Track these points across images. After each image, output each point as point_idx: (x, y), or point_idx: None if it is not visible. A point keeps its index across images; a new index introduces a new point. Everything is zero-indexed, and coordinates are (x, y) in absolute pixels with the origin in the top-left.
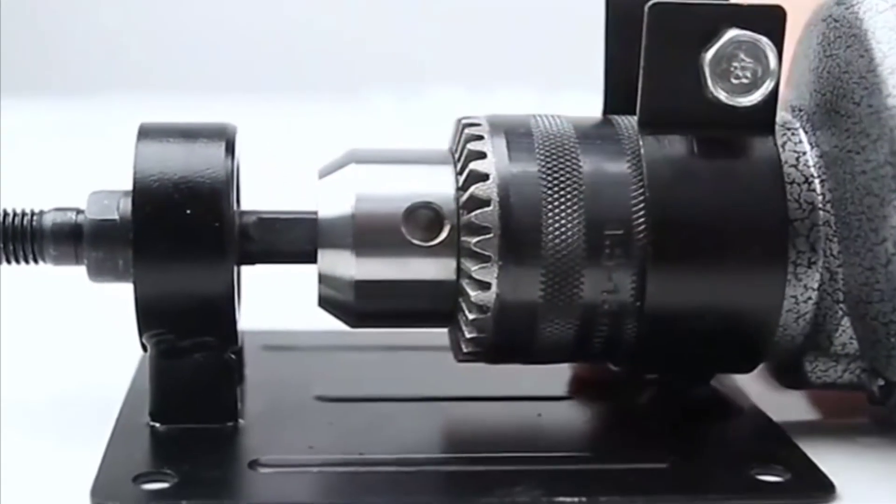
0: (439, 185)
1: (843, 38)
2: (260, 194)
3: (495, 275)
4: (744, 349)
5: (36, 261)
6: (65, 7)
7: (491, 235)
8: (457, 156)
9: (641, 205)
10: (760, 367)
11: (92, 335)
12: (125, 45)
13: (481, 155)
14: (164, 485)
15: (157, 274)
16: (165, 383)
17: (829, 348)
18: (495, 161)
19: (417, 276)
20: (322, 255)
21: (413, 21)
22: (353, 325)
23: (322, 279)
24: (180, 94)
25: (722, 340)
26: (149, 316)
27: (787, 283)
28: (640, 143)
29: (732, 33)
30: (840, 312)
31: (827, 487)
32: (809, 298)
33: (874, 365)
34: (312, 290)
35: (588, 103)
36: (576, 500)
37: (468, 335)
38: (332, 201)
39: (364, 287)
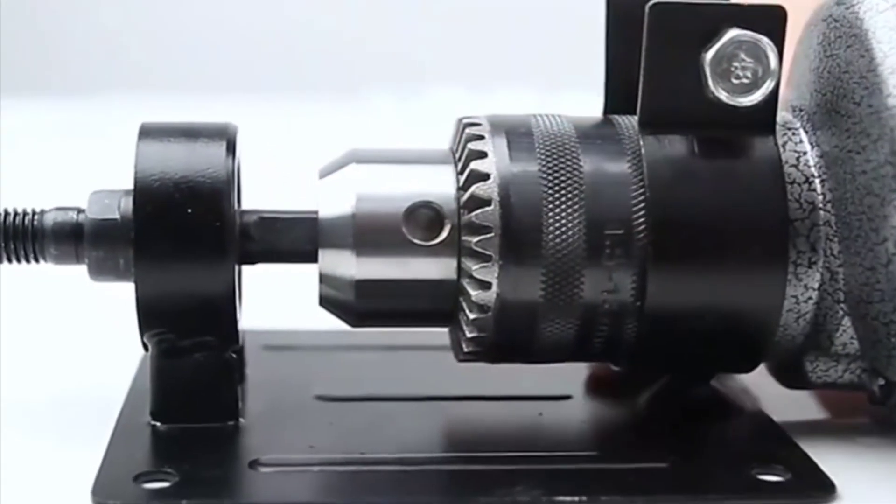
0: (440, 185)
1: (843, 38)
2: (260, 194)
3: (496, 274)
4: (744, 349)
5: (37, 260)
6: (65, 7)
7: (491, 235)
8: (457, 155)
9: (642, 205)
10: (761, 366)
11: (93, 335)
12: (125, 45)
13: (482, 154)
14: (165, 484)
15: (157, 273)
16: (166, 383)
17: (829, 348)
18: (496, 161)
19: (418, 276)
20: (323, 254)
21: (413, 21)
22: (353, 325)
23: (323, 279)
24: (180, 94)
25: (722, 340)
26: (150, 315)
27: (787, 282)
28: (641, 142)
29: (733, 33)
30: (840, 312)
31: (827, 487)
32: (810, 298)
33: (875, 365)
34: (313, 290)
35: (588, 103)
36: (576, 499)
37: (469, 335)
38: (332, 201)
39: (365, 286)
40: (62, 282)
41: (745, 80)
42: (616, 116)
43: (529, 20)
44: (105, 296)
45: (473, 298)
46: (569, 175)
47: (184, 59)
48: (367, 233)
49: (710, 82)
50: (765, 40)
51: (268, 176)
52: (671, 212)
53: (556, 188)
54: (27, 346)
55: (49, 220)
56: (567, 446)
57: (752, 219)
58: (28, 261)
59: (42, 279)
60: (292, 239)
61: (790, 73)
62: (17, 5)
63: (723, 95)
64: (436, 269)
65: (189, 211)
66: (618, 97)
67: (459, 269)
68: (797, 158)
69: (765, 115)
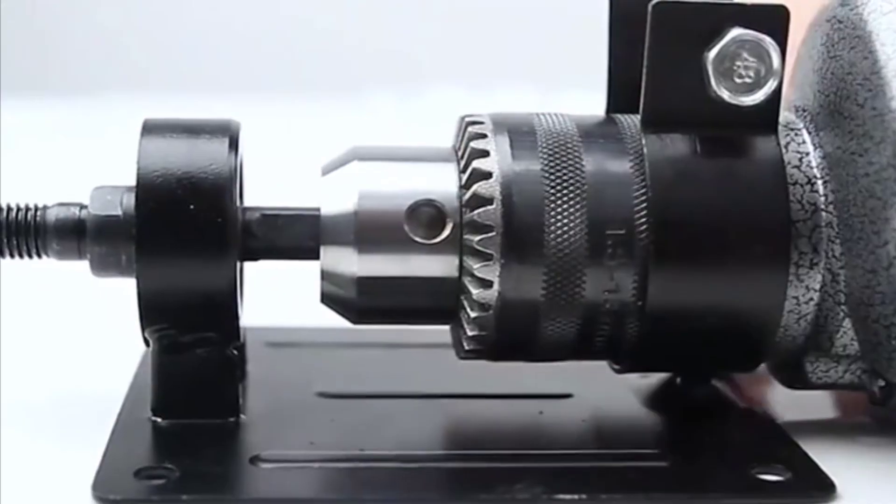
0: (442, 183)
1: (847, 40)
2: (262, 192)
3: (497, 273)
4: (745, 349)
5: (39, 255)
6: (65, 7)
7: (493, 234)
8: (460, 153)
9: (644, 204)
10: (762, 366)
11: (94, 330)
12: (125, 45)
13: (484, 153)
14: (166, 479)
15: (159, 269)
16: (167, 378)
17: (830, 349)
18: (498, 159)
19: (419, 274)
20: (324, 251)
21: (413, 21)
22: (355, 322)
23: (324, 276)
24: (181, 93)
25: (723, 340)
26: (151, 311)
27: (788, 283)
28: (643, 142)
29: (736, 32)
30: (841, 314)
31: (827, 487)
32: (811, 299)
33: (875, 366)
34: (315, 287)
35: (588, 103)
36: (576, 497)
37: (470, 333)
38: (334, 198)
39: (366, 284)
40: (63, 277)
41: (747, 80)
42: (619, 115)
43: (529, 20)
44: (106, 291)
45: (475, 297)
46: (571, 174)
47: (184, 59)
48: (368, 230)
49: (712, 81)
50: (767, 40)
51: (268, 174)
52: (673, 212)
53: (559, 187)
54: (28, 342)
55: (52, 215)
56: (567, 444)
57: (753, 219)
58: (30, 256)
59: (43, 275)
60: (294, 236)
61: (793, 73)
62: (17, 5)
63: (725, 95)
64: (437, 267)
65: (191, 207)
66: (620, 96)
67: (461, 267)
68: (800, 159)
69: (767, 114)
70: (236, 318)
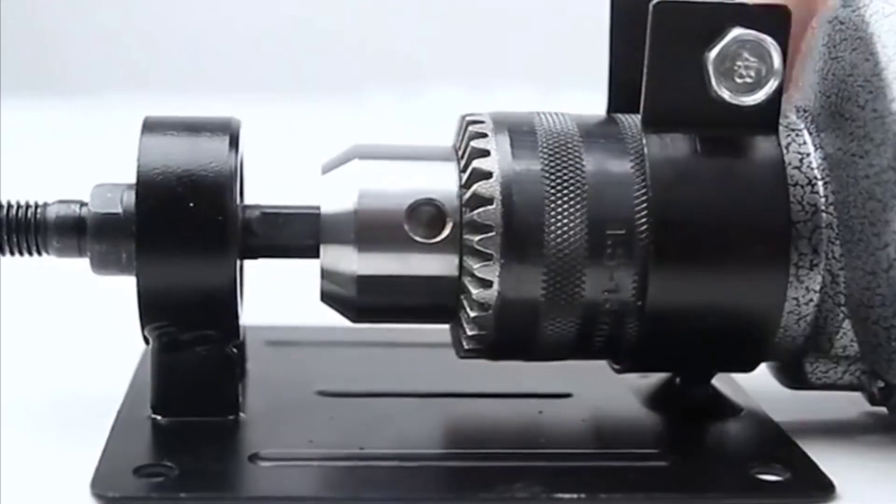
0: (442, 183)
1: (848, 41)
2: (262, 191)
3: (497, 273)
4: (744, 349)
5: (39, 253)
6: (65, 7)
7: (493, 234)
8: (460, 153)
9: (644, 204)
10: (761, 366)
11: (93, 328)
12: (125, 45)
13: (484, 153)
14: (165, 477)
15: (159, 267)
16: (167, 376)
17: (829, 350)
18: (498, 159)
19: (419, 273)
20: (324, 250)
21: (413, 21)
22: (354, 321)
23: (324, 274)
24: (180, 93)
25: (723, 340)
26: (151, 309)
27: (788, 284)
28: (644, 141)
29: (736, 32)
30: (841, 315)
31: (827, 487)
32: (811, 300)
33: (874, 368)
34: (315, 285)
35: (588, 103)
36: (575, 496)
37: (469, 332)
38: (335, 196)
39: (366, 282)
40: (63, 276)
41: (748, 80)
42: (619, 115)
43: (529, 20)
44: (106, 290)
45: (474, 296)
46: (571, 174)
47: (184, 58)
48: (368, 229)
49: (713, 81)
50: (768, 40)
51: (269, 173)
52: (673, 212)
53: (559, 187)
54: (27, 340)
55: (52, 213)
56: (567, 444)
57: (754, 220)
58: (30, 253)
59: (42, 273)
60: (294, 234)
61: (795, 73)
62: (17, 5)
63: (726, 95)
64: (437, 266)
65: (191, 205)
66: (621, 96)
67: (461, 266)
68: (800, 160)
69: (768, 115)
70: (236, 316)
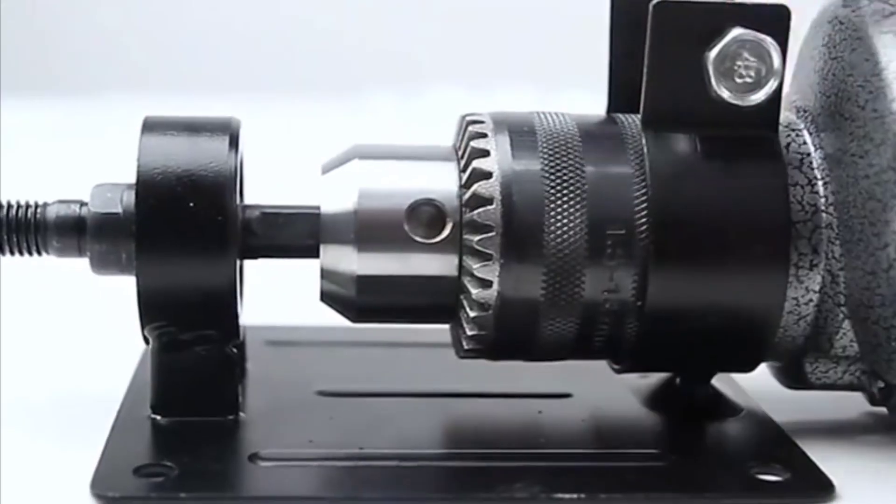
0: (442, 183)
1: (848, 41)
2: (262, 191)
3: (497, 273)
4: (744, 349)
5: (39, 252)
6: (65, 7)
7: (493, 234)
8: (460, 153)
9: (644, 204)
10: (761, 366)
11: (94, 328)
12: (125, 45)
13: (484, 153)
14: (165, 477)
15: (159, 267)
16: (167, 376)
17: (829, 350)
18: (498, 159)
19: (419, 273)
20: (324, 250)
21: (413, 21)
22: (354, 321)
23: (324, 274)
24: (180, 94)
25: (723, 340)
26: (151, 309)
27: (788, 284)
28: (644, 141)
29: (736, 32)
30: (841, 315)
31: (826, 487)
32: (810, 300)
33: (874, 368)
34: (314, 285)
35: (588, 103)
36: (575, 496)
37: (469, 332)
38: (335, 196)
39: (366, 282)
40: (63, 276)
41: (748, 80)
42: (619, 115)
43: (529, 20)
44: (106, 290)
45: (474, 296)
46: (571, 174)
47: (184, 59)
48: (368, 229)
49: (713, 81)
50: (768, 40)
51: (269, 173)
52: (673, 212)
53: (559, 187)
54: (27, 340)
55: (52, 212)
56: (566, 444)
57: (754, 220)
58: (30, 253)
59: (42, 273)
60: (294, 234)
61: (795, 73)
62: (17, 5)
63: (726, 95)
64: (437, 266)
65: (191, 205)
66: (621, 96)
67: (460, 266)
68: (800, 160)
69: (768, 114)
70: (236, 316)
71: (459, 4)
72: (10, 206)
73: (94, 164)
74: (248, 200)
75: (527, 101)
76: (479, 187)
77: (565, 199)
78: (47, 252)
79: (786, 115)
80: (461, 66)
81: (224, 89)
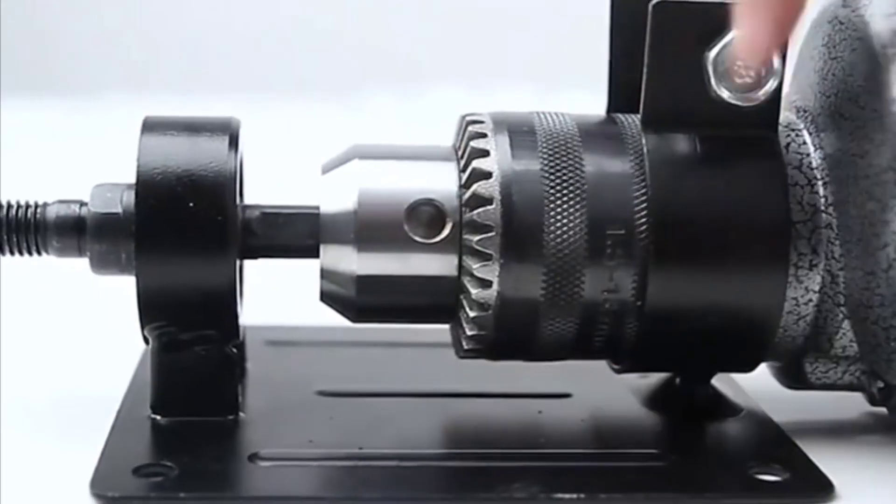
0: (442, 183)
1: (848, 41)
2: (262, 191)
3: (496, 273)
4: (744, 349)
5: (39, 252)
6: (65, 7)
7: (493, 234)
8: (460, 153)
9: (644, 204)
10: (761, 366)
11: (93, 329)
12: (125, 45)
13: (484, 153)
14: (164, 477)
15: (159, 267)
16: (167, 376)
17: (829, 350)
18: (498, 159)
19: (419, 273)
20: (324, 250)
21: (413, 21)
22: (354, 320)
23: (324, 274)
24: (181, 94)
25: (722, 340)
26: (151, 309)
27: (787, 284)
28: (643, 141)
29: None
30: (840, 315)
31: (826, 487)
32: (810, 300)
33: (874, 368)
34: (314, 285)
35: (588, 103)
36: (574, 496)
37: (469, 332)
38: (334, 196)
39: (366, 282)
40: (63, 276)
41: (747, 80)
42: (619, 115)
43: (529, 20)
44: (106, 290)
45: (474, 296)
46: (571, 174)
47: (184, 59)
48: (368, 229)
49: (712, 81)
50: None
51: (269, 173)
52: (673, 212)
53: (558, 187)
54: (27, 340)
55: (52, 212)
56: (566, 444)
57: (753, 220)
58: (30, 253)
59: (42, 273)
60: (294, 234)
61: (794, 73)
62: (17, 5)
63: (725, 95)
64: (437, 266)
65: (191, 205)
66: (621, 96)
67: (460, 266)
68: (800, 160)
69: (768, 114)
70: (236, 316)
71: (459, 4)
72: (10, 206)
73: (94, 164)
74: (248, 200)
75: (527, 101)
76: (479, 187)
77: (565, 199)
78: (47, 252)
79: (786, 115)
80: (461, 67)
81: (224, 89)
